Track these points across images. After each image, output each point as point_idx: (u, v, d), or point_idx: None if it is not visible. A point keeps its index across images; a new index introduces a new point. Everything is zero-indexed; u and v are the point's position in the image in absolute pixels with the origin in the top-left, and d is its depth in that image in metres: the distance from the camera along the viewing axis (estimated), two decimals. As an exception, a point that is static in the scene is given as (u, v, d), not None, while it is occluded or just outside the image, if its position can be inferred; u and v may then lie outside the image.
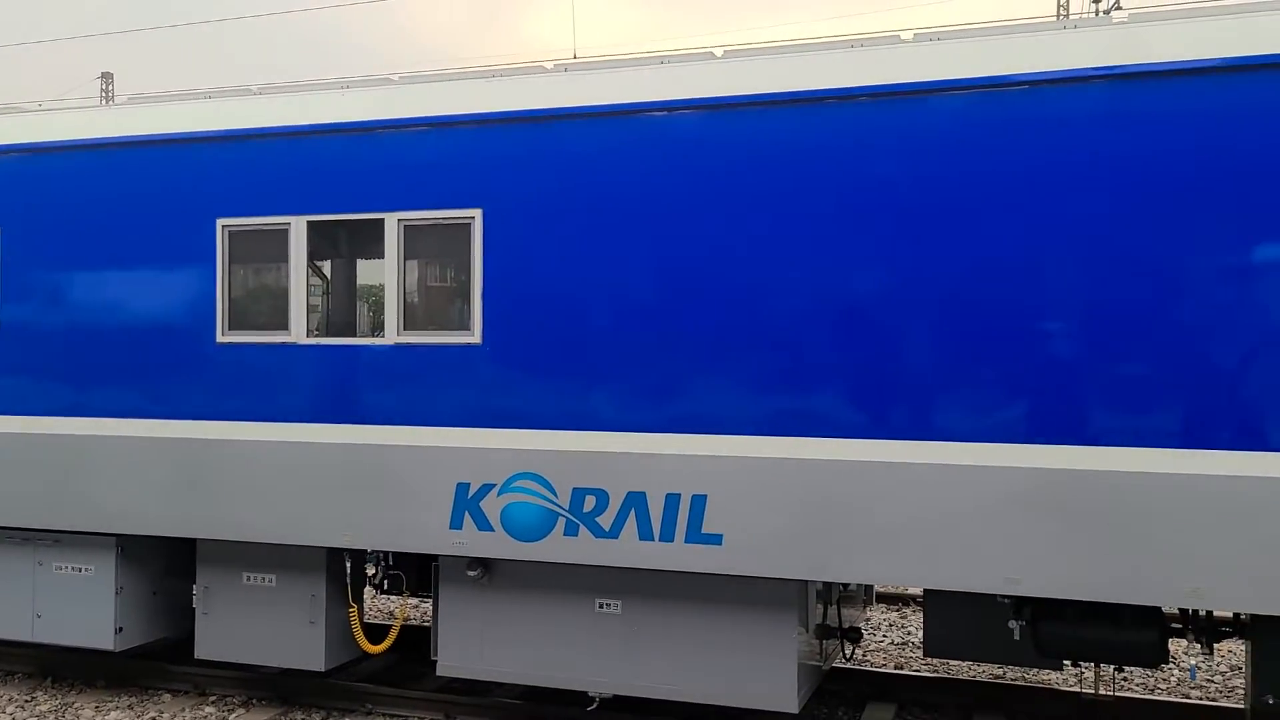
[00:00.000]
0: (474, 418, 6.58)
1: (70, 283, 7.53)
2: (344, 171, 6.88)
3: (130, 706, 7.88)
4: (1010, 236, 5.64)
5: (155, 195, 7.30)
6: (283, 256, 7.07)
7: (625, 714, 7.25)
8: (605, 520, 6.31)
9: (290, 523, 6.97)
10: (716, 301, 6.11)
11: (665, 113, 6.28)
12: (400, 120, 6.77)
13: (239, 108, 7.18)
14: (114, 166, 7.41)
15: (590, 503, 6.34)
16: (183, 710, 7.80)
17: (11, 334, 7.69)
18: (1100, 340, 5.50)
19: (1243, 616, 5.89)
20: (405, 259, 6.83)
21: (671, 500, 6.20)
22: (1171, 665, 8.48)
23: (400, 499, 6.72)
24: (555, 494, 6.42)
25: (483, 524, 6.54)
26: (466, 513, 6.57)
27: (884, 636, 9.78)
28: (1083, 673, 8.10)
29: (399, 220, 6.76)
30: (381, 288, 6.90)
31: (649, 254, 6.24)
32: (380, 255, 6.86)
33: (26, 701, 8.01)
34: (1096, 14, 18.69)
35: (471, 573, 6.81)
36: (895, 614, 10.61)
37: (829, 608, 7.24)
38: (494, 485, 6.52)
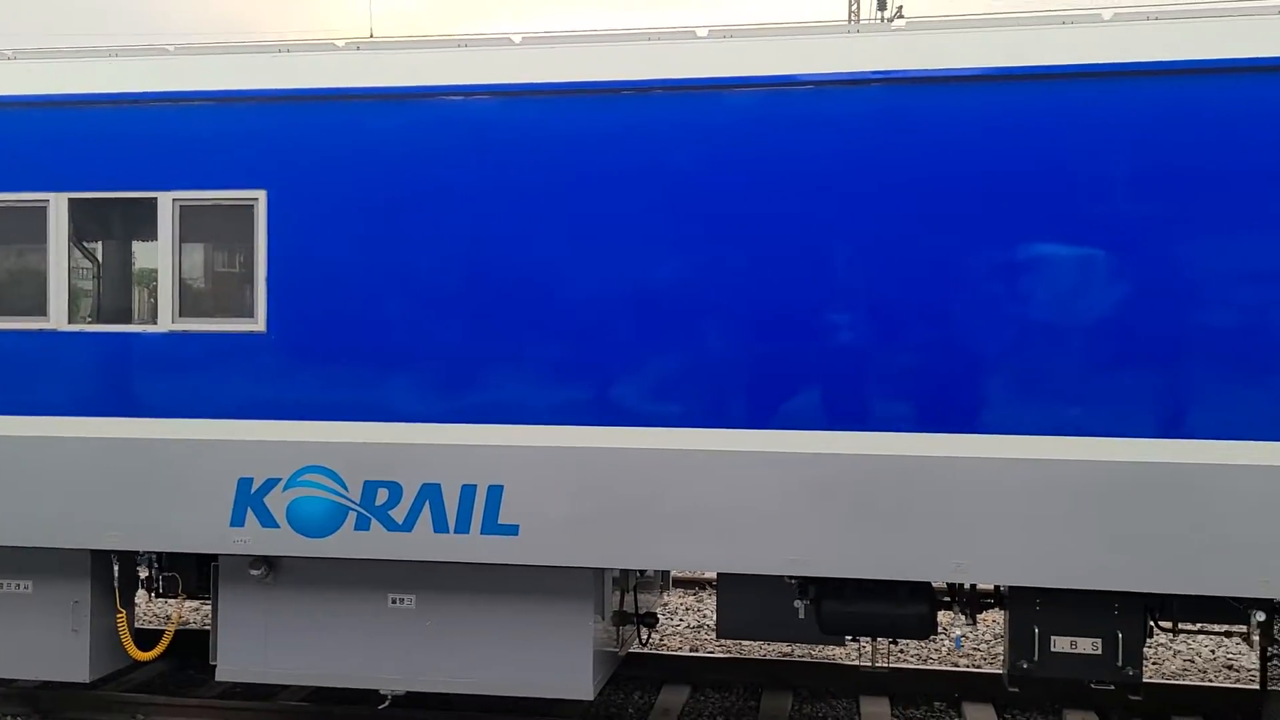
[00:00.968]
0: (258, 409, 6.26)
1: None
2: (112, 147, 6.40)
3: None
4: (797, 232, 5.85)
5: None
6: (41, 237, 6.50)
7: (419, 711, 7.12)
8: (398, 513, 6.15)
9: (48, 524, 6.44)
10: (509, 290, 6.05)
11: (461, 97, 6.17)
12: (177, 94, 6.35)
13: (-11, 72, 6.55)
14: None
15: (383, 496, 6.17)
16: (-76, 733, 7.09)
17: None
18: (878, 331, 5.79)
19: (1001, 589, 6.35)
20: (182, 242, 6.42)
21: (468, 491, 6.11)
22: (942, 636, 9.07)
23: (175, 496, 6.32)
24: (345, 488, 6.20)
25: (267, 521, 6.25)
26: (249, 509, 6.26)
27: (680, 620, 10.01)
28: (862, 647, 8.55)
29: (174, 200, 6.35)
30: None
31: (440, 240, 6.12)
32: (156, 237, 6.42)
33: None
34: (881, 20, 19.72)
35: (255, 572, 6.50)
36: (692, 598, 10.87)
37: (626, 594, 7.33)
38: (279, 480, 6.23)
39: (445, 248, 6.12)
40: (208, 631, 6.99)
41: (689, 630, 9.67)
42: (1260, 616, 5.74)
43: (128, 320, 7.12)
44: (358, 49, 6.38)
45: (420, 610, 6.51)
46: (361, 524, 6.18)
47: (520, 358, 6.08)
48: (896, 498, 5.74)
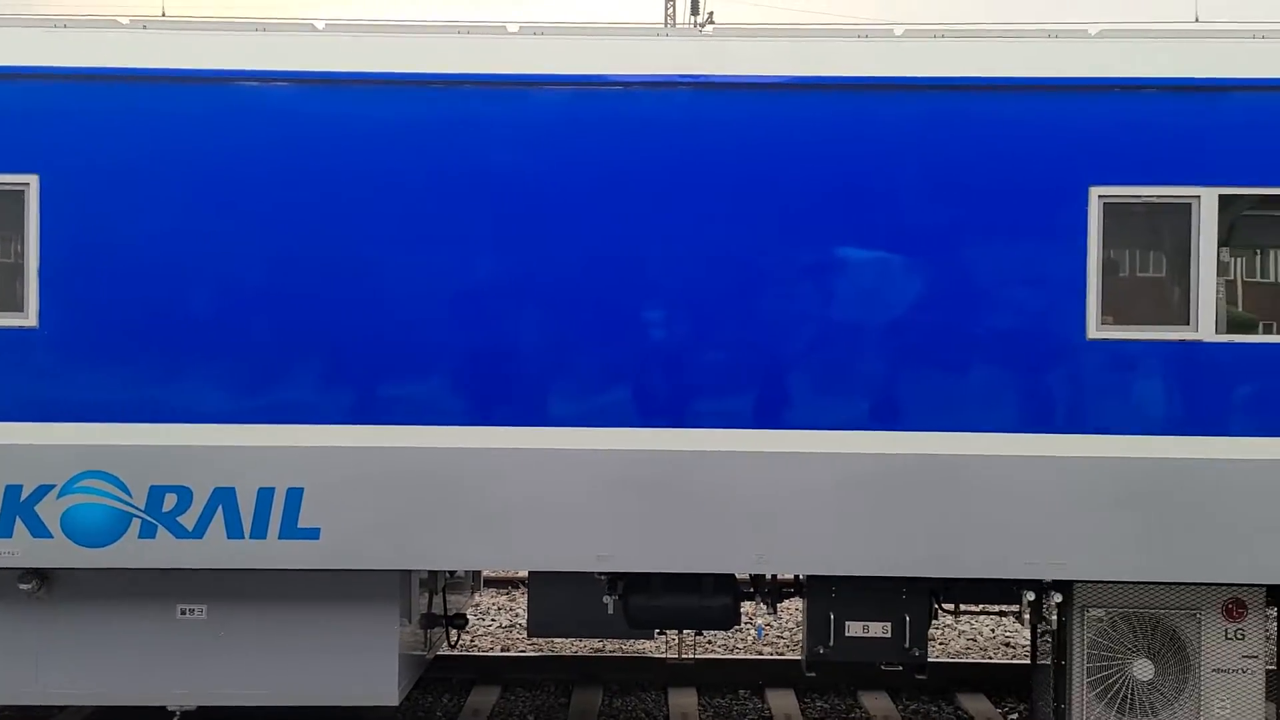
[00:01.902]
0: (27, 411, 5.80)
1: None
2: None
3: None
4: (607, 230, 5.90)
5: None
6: None
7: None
8: (188, 520, 5.83)
9: None
10: (309, 284, 5.84)
11: (257, 84, 5.91)
12: (-61, 69, 5.81)
13: None
14: None
15: (171, 501, 5.83)
16: None
17: None
18: (687, 330, 5.91)
19: (801, 578, 6.60)
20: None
21: (265, 495, 5.86)
22: (747, 625, 9.35)
23: (-71, 506, 5.78)
24: (129, 493, 5.83)
25: (39, 530, 5.79)
26: (18, 518, 5.78)
27: (492, 620, 9.93)
28: (670, 640, 8.71)
29: (-66, 184, 5.80)
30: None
31: (233, 233, 5.84)
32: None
33: None
34: (693, 25, 20.16)
35: (24, 586, 6.01)
36: (504, 597, 10.80)
37: (434, 596, 7.21)
38: (53, 486, 5.80)
39: (238, 240, 5.84)
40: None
41: (500, 630, 9.61)
42: (1030, 596, 6.18)
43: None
44: (144, 28, 6.01)
45: (212, 620, 6.18)
46: (147, 531, 5.82)
47: (323, 354, 5.88)
48: (701, 493, 5.87)
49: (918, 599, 6.27)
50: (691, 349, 5.90)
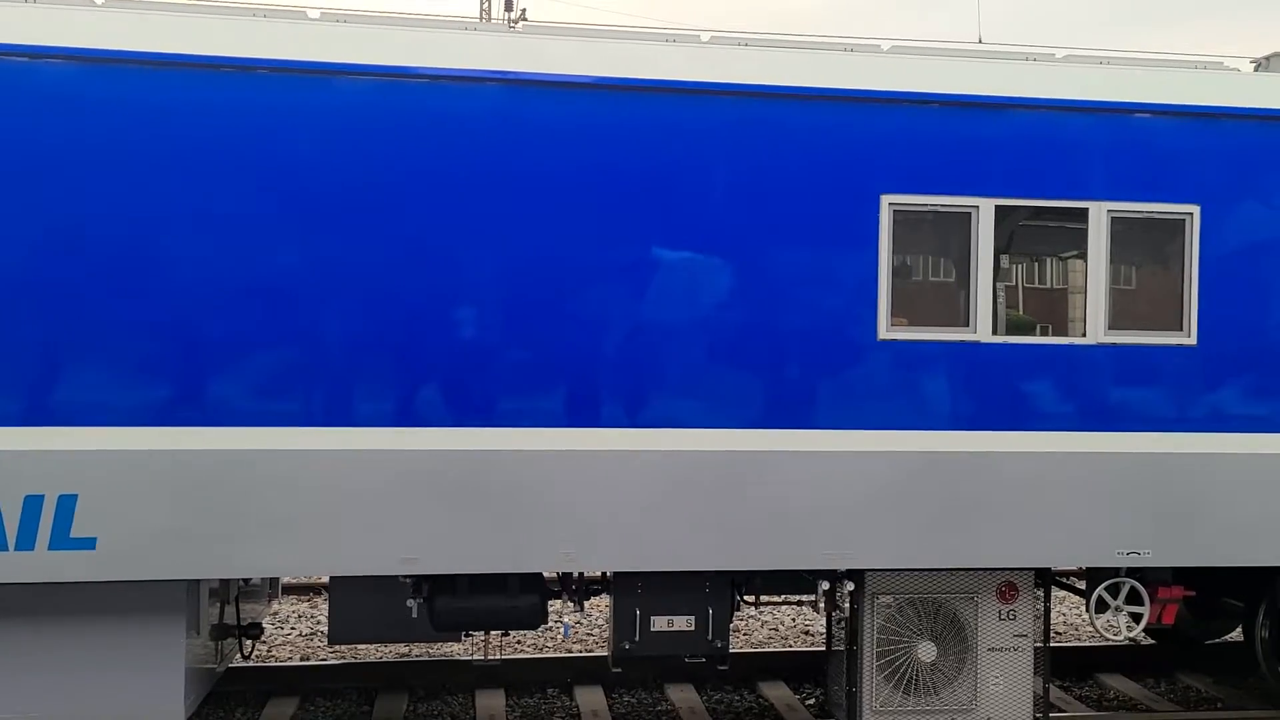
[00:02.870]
0: None
1: None
2: None
3: None
4: (414, 225, 5.76)
5: None
6: None
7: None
8: (-58, 531, 5.32)
9: None
10: (86, 276, 5.44)
11: (26, 59, 5.45)
12: None
13: None
14: None
15: (-78, 511, 5.30)
16: None
17: None
18: (492, 328, 5.84)
19: (608, 575, 6.65)
20: None
21: (32, 503, 5.42)
22: (557, 624, 9.36)
23: None
24: (-128, 504, 5.27)
25: None
26: None
27: (292, 629, 9.53)
28: (476, 642, 8.61)
29: None
30: None
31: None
32: None
33: None
34: (507, 22, 20.01)
35: None
36: (306, 604, 10.39)
37: (226, 606, 6.86)
38: None
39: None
40: None
41: (301, 639, 9.24)
42: (825, 586, 6.45)
43: None
44: None
45: (-26, 640, 5.67)
46: (-107, 545, 5.28)
47: (97, 351, 5.47)
48: (509, 492, 5.83)
49: (721, 592, 6.42)
50: (498, 347, 5.84)
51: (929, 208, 6.20)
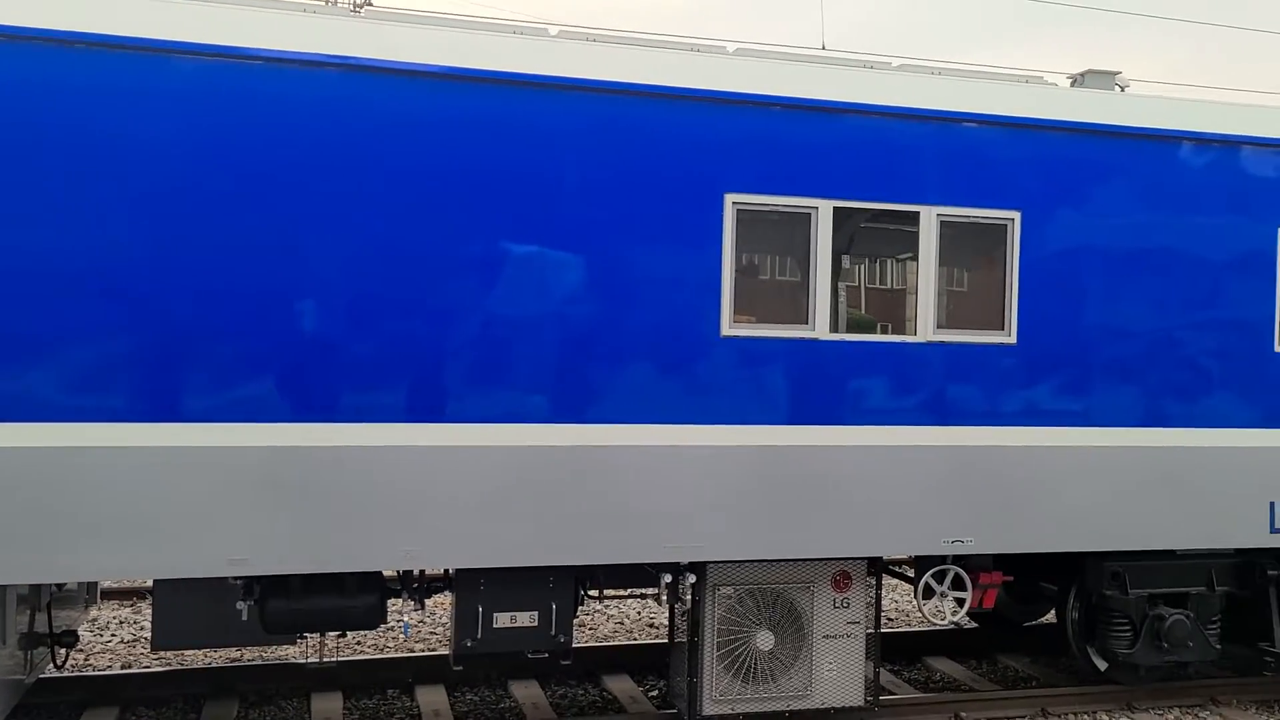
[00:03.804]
0: None
1: None
2: None
3: None
4: (249, 212, 5.52)
5: None
6: None
7: None
8: None
9: None
10: None
11: None
12: None
13: None
14: None
15: None
16: None
17: None
18: (331, 321, 5.65)
19: (449, 572, 6.54)
20: None
21: None
22: (397, 623, 9.16)
23: None
24: None
25: None
26: None
27: (113, 635, 9.02)
28: (312, 644, 8.34)
29: None
30: None
31: None
32: None
33: None
34: (352, 6, 19.40)
35: None
36: (129, 610, 9.85)
37: (37, 613, 6.42)
38: None
39: None
40: None
41: (122, 646, 8.74)
42: (668, 579, 6.52)
43: None
44: None
45: None
46: None
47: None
48: (347, 489, 5.66)
49: (564, 587, 6.41)
50: (337, 341, 5.66)
51: (771, 208, 6.34)
